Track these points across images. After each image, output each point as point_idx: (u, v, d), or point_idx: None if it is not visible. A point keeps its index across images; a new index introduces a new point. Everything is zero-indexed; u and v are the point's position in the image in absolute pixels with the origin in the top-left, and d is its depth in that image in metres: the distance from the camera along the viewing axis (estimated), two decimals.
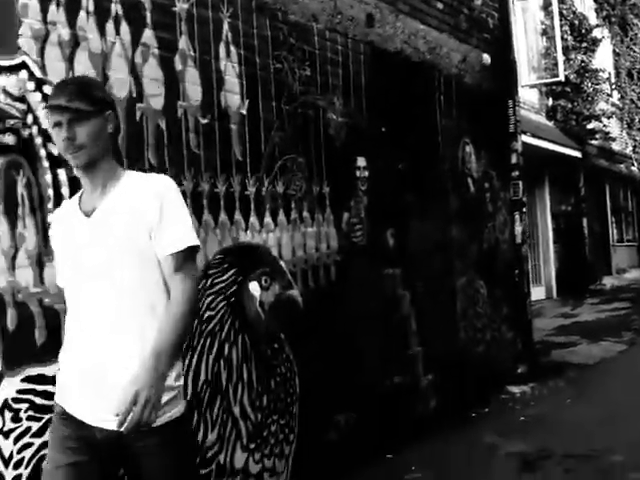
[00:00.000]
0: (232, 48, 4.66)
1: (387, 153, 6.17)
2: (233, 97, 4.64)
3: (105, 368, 2.50)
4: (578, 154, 17.17)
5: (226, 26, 4.62)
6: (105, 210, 2.59)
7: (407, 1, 6.61)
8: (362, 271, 5.78)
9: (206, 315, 4.35)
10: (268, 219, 4.87)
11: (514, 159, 8.57)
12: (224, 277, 4.49)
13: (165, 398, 2.50)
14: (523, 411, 7.15)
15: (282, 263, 4.92)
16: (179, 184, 4.15)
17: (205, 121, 4.43)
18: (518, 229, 8.57)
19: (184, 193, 4.24)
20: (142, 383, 2.41)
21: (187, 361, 4.17)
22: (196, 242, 2.67)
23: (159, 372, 2.46)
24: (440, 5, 7.19)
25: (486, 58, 8.01)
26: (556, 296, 17.18)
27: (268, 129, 4.90)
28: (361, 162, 5.84)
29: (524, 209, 8.74)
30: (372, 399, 5.71)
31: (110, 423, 2.45)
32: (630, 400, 7.24)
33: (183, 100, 4.31)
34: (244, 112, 4.72)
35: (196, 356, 4.25)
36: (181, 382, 2.64)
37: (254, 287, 4.66)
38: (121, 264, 2.54)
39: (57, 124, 2.55)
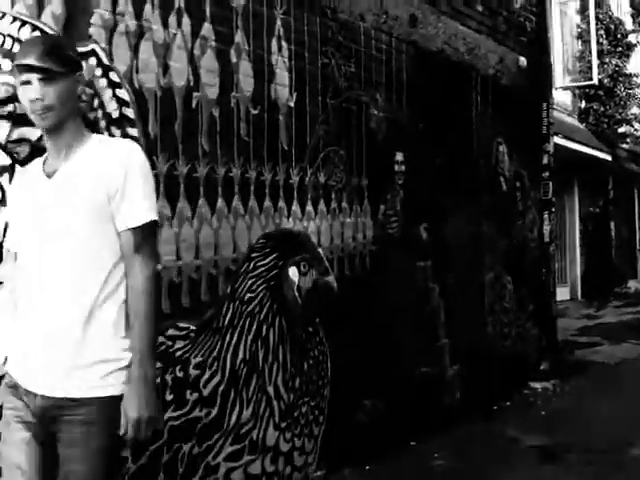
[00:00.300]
0: (283, 43, 4.86)
1: (424, 149, 6.36)
2: (282, 90, 4.85)
3: (71, 330, 2.42)
4: (608, 157, 17.22)
5: (279, 22, 4.83)
6: (69, 172, 2.50)
7: (449, 3, 6.78)
8: (395, 262, 5.97)
9: (247, 296, 4.56)
10: (309, 207, 5.08)
11: (545, 160, 8.72)
12: (265, 261, 4.70)
13: (109, 369, 2.43)
14: (544, 406, 7.34)
15: (320, 250, 5.12)
16: (229, 170, 4.41)
17: (255, 112, 4.64)
18: (547, 228, 8.73)
19: (233, 179, 4.47)
20: (135, 404, 2.39)
21: (227, 339, 4.39)
22: (156, 217, 2.56)
23: (148, 378, 2.43)
24: (480, 7, 7.35)
25: (522, 61, 8.17)
26: (581, 297, 17.27)
27: (313, 122, 5.11)
28: (399, 157, 6.04)
29: (553, 209, 8.90)
30: (400, 387, 5.89)
31: (58, 391, 2.40)
32: None
33: (236, 91, 4.52)
34: (292, 105, 4.93)
35: (236, 335, 4.46)
36: (128, 356, 2.46)
37: (293, 272, 4.86)
38: (86, 224, 2.44)
39: (25, 82, 2.45)
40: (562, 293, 16.20)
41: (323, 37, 5.20)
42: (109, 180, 2.46)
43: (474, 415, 6.56)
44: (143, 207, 2.50)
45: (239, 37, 4.55)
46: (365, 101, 5.62)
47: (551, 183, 8.77)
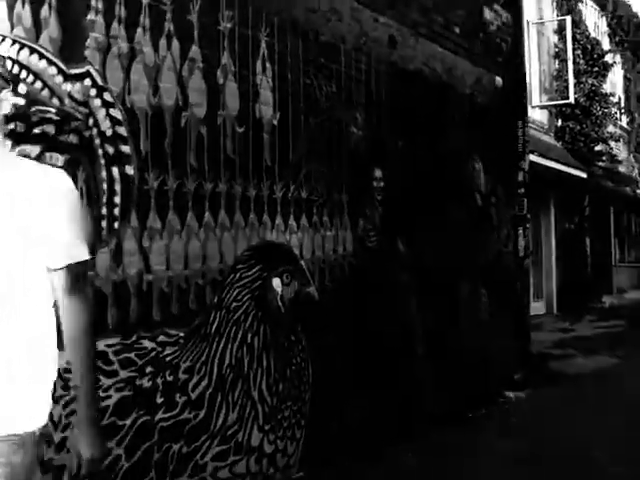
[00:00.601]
0: (267, 64, 5.12)
1: (403, 166, 6.63)
2: (267, 109, 5.10)
3: None
4: (584, 175, 17.56)
5: (263, 44, 5.09)
6: None
7: (427, 25, 7.08)
8: (374, 273, 6.21)
9: (233, 305, 4.79)
10: (292, 221, 5.32)
11: (520, 177, 9.02)
12: (250, 272, 4.93)
13: None
14: (516, 413, 7.60)
15: (302, 262, 5.36)
16: (216, 186, 4.65)
17: (241, 130, 4.89)
18: (521, 243, 9.01)
19: (220, 194, 4.71)
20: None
21: (214, 346, 4.61)
22: (87, 256, 2.27)
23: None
24: (457, 30, 7.65)
25: (498, 81, 8.47)
26: (556, 311, 17.55)
27: (296, 139, 5.36)
28: (378, 173, 6.30)
29: (528, 224, 9.19)
30: (377, 394, 6.11)
31: None
32: (615, 406, 7.77)
33: (222, 110, 4.77)
34: (275, 123, 5.18)
35: (223, 342, 4.68)
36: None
37: (277, 283, 5.08)
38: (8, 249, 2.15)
39: None
40: (538, 307, 16.51)
41: (305, 58, 5.46)
42: (35, 211, 2.17)
43: (449, 422, 6.79)
44: (72, 244, 2.23)
45: (225, 59, 4.80)
46: (345, 120, 5.88)
47: (526, 199, 9.06)
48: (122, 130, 4.10)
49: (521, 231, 9.01)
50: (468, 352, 7.73)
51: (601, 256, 20.70)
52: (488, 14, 8.41)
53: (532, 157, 13.58)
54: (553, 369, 10.02)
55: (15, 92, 3.60)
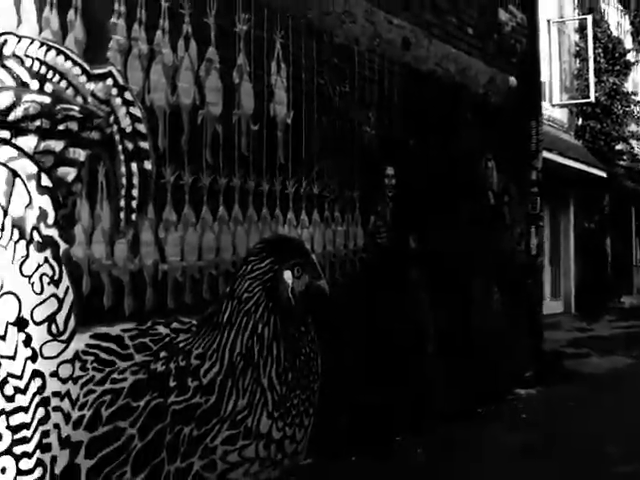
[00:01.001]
0: (282, 65, 5.33)
1: (415, 164, 6.79)
2: (281, 108, 5.32)
3: None
4: (604, 174, 17.59)
5: (278, 46, 5.30)
6: None
7: (441, 26, 7.25)
8: (384, 269, 6.39)
9: (244, 296, 4.99)
10: (304, 216, 5.53)
11: (534, 176, 9.15)
12: (262, 264, 5.12)
13: None
14: (526, 410, 7.72)
15: (313, 256, 5.55)
16: (230, 181, 4.87)
17: (255, 128, 5.11)
18: (534, 241, 9.14)
19: (234, 189, 4.93)
20: None
21: (226, 334, 4.82)
22: None
23: None
24: (471, 30, 7.81)
25: (512, 81, 8.62)
26: (574, 311, 17.58)
27: (309, 137, 5.57)
28: (390, 171, 6.48)
29: (541, 223, 9.31)
30: (388, 386, 6.26)
31: None
32: (629, 405, 7.89)
33: (238, 109, 4.99)
34: (289, 122, 5.39)
35: (234, 331, 4.89)
36: None
37: (287, 275, 5.27)
38: None
39: None
40: (556, 306, 16.58)
41: (319, 59, 5.66)
42: None
43: (459, 416, 6.92)
44: None
45: (241, 59, 5.02)
46: (358, 119, 6.08)
47: (539, 198, 9.19)
48: (141, 127, 4.32)
49: (534, 229, 9.14)
50: (479, 349, 7.85)
51: (621, 256, 20.68)
52: (503, 15, 8.56)
53: (551, 155, 13.71)
54: (567, 368, 10.06)
55: (42, 91, 3.84)
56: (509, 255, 8.67)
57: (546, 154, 11.84)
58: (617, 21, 20.89)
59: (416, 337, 6.86)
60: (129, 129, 4.25)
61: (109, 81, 4.16)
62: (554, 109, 17.05)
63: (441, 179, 7.19)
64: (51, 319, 3.81)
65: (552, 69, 16.87)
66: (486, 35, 8.19)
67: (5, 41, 3.79)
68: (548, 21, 16.53)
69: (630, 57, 19.78)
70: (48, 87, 3.89)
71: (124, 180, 4.23)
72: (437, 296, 7.07)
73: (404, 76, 6.68)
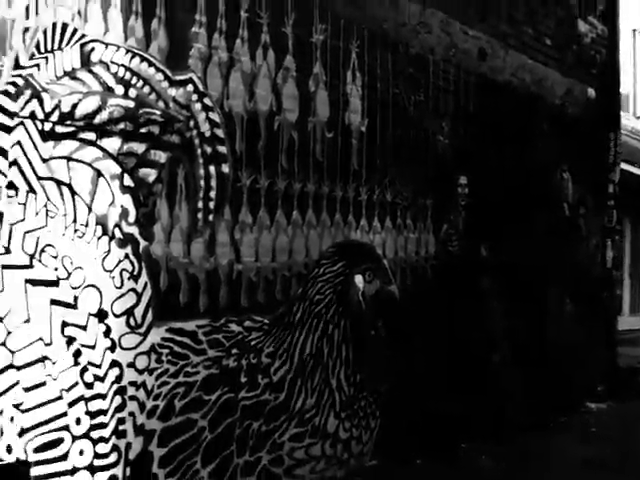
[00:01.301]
0: (357, 74, 5.46)
1: (489, 174, 6.84)
2: (355, 116, 5.45)
3: None
4: None
5: (354, 55, 5.43)
6: None
7: (517, 37, 7.28)
8: (455, 278, 6.45)
9: (316, 298, 5.12)
10: (376, 222, 5.64)
11: (610, 189, 9.05)
12: (334, 268, 5.25)
13: None
14: (596, 424, 7.64)
15: (385, 261, 5.66)
16: (304, 186, 5.02)
17: (330, 135, 5.26)
18: (610, 254, 9.04)
19: (308, 194, 5.07)
20: None
21: (297, 334, 4.96)
22: None
23: None
24: (548, 41, 7.81)
25: (591, 92, 8.56)
26: None
27: (383, 146, 5.68)
28: (463, 180, 6.54)
29: (617, 236, 9.19)
30: (456, 393, 6.29)
31: None
32: None
33: (313, 116, 5.14)
34: (363, 130, 5.52)
35: (304, 331, 5.02)
36: None
37: (359, 279, 5.38)
38: None
39: None
40: (635, 322, 16.17)
41: (394, 69, 5.77)
42: None
43: (529, 428, 6.90)
44: None
45: (317, 68, 5.17)
46: (432, 128, 6.16)
47: (615, 211, 9.09)
48: (220, 132, 4.49)
49: (609, 243, 9.05)
50: (553, 361, 7.79)
51: None
52: (582, 26, 8.53)
53: (633, 169, 13.47)
54: None
55: (126, 95, 4.05)
56: (584, 267, 8.60)
57: (628, 167, 11.67)
58: None
59: (486, 346, 6.87)
60: (208, 133, 4.42)
61: (190, 87, 4.35)
62: (638, 121, 16.74)
63: (515, 189, 7.21)
64: (130, 312, 4.00)
65: (637, 80, 16.58)
66: (564, 46, 8.17)
67: (93, 48, 4.02)
68: (634, 30, 16.26)
69: None
70: (132, 92, 4.09)
71: (202, 182, 4.40)
72: (511, 306, 7.07)
73: (480, 86, 6.74)
